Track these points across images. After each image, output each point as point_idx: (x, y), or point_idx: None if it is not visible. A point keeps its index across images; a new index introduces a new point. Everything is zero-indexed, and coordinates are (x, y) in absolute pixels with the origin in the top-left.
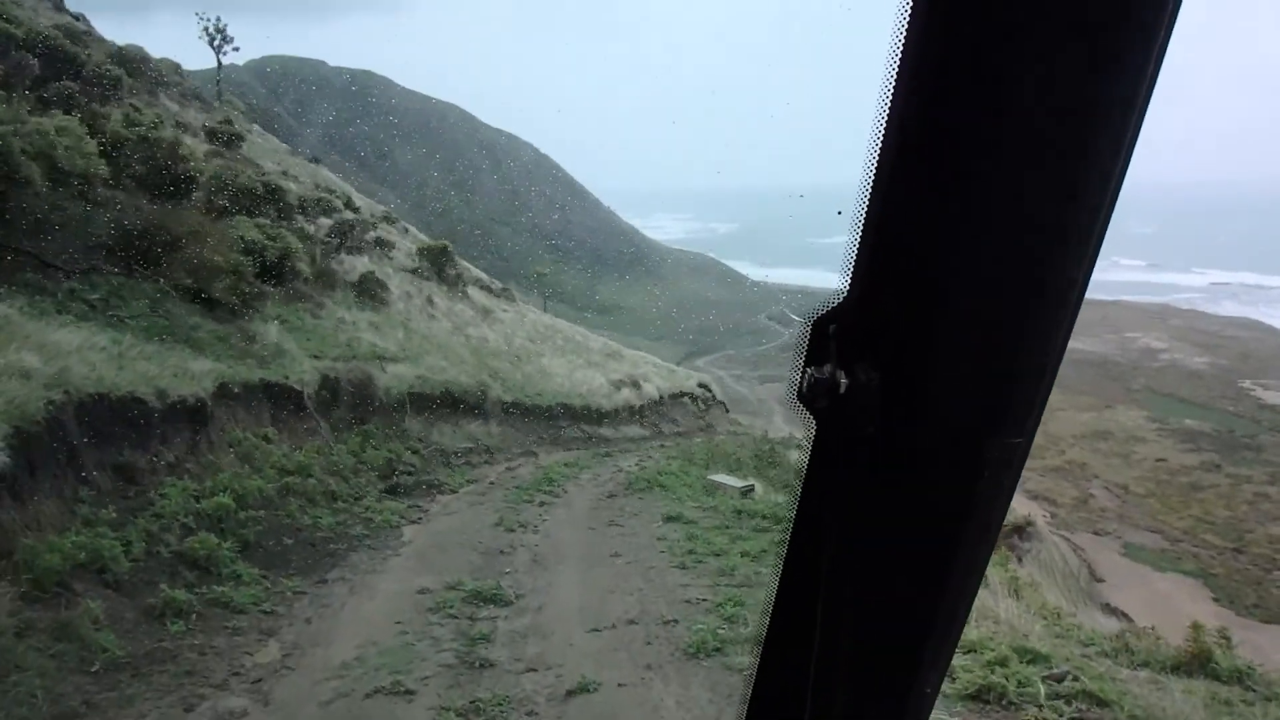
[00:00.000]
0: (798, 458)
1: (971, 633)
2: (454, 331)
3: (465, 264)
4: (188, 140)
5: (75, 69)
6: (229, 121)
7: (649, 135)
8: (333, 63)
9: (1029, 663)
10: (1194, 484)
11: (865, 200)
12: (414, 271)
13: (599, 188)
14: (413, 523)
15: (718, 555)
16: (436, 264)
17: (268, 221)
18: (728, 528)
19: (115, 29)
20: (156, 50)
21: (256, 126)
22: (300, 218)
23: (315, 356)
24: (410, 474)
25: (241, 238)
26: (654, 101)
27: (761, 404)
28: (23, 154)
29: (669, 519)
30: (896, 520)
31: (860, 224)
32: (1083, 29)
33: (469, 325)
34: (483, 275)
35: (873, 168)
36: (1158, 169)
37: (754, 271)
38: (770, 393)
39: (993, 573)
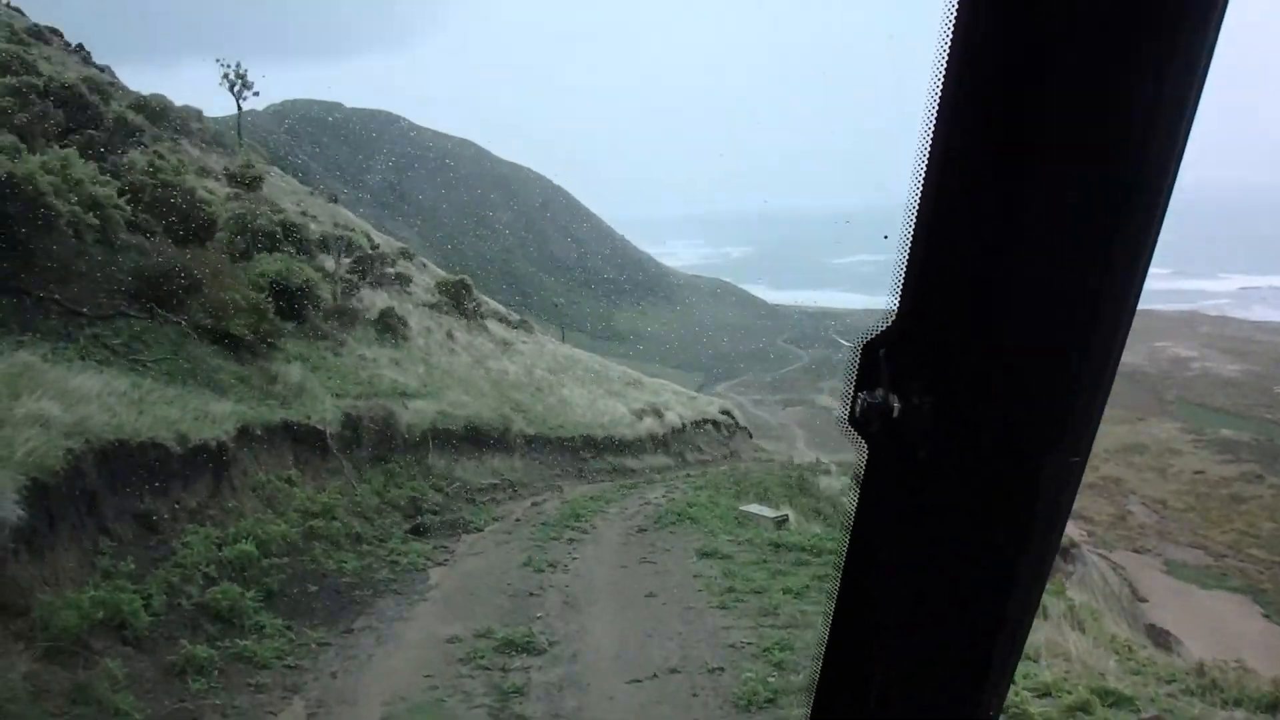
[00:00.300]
0: (827, 484)
1: (1044, 673)
2: (474, 365)
3: (483, 297)
4: (210, 184)
5: (98, 119)
6: (250, 165)
7: (660, 161)
8: (349, 104)
9: (1112, 705)
10: (1235, 496)
11: (911, 224)
12: (433, 306)
13: (612, 216)
14: (439, 564)
15: (758, 593)
16: (455, 298)
17: (287, 257)
18: (765, 562)
19: (140, 79)
20: (180, 98)
21: (276, 169)
22: (320, 255)
23: (337, 395)
24: (435, 513)
25: (261, 274)
26: (665, 127)
27: (784, 429)
28: (45, 197)
29: (703, 554)
30: (954, 544)
31: (907, 247)
32: (1124, 43)
33: (489, 358)
34: (500, 308)
35: (918, 192)
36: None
37: (771, 295)
38: (792, 417)
39: (1049, 600)
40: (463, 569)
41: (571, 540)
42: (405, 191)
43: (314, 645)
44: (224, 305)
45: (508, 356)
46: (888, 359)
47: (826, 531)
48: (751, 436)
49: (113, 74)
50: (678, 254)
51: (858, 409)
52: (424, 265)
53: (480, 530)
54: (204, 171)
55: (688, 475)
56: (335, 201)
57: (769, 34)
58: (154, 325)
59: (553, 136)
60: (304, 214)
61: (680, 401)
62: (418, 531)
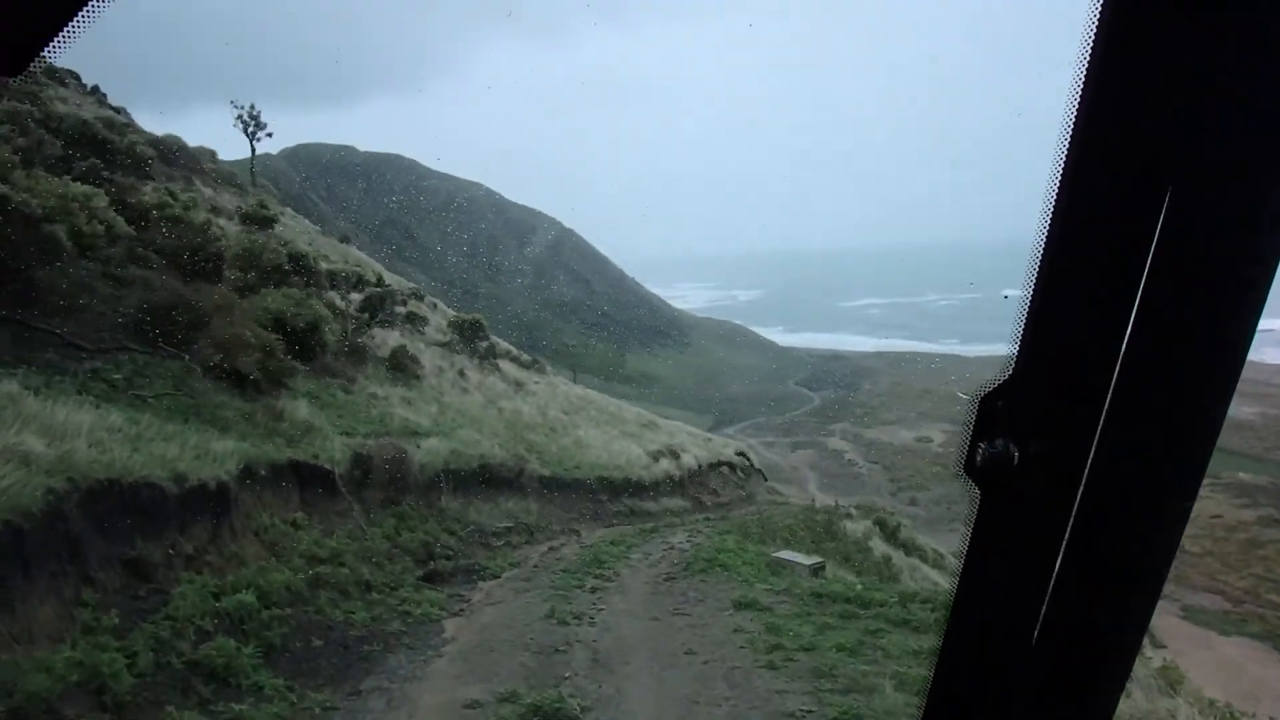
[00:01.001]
0: (851, 528)
1: None
2: (487, 404)
3: (495, 338)
4: (222, 222)
5: (107, 152)
6: (263, 205)
7: (669, 204)
8: (362, 148)
9: None
10: (1253, 540)
11: (1031, 282)
12: (445, 345)
13: (622, 259)
14: (454, 615)
15: (808, 650)
16: (468, 337)
17: (297, 293)
18: (809, 614)
19: (155, 123)
20: (194, 142)
21: (289, 209)
22: (330, 292)
23: (346, 434)
24: (449, 558)
25: (268, 309)
26: (671, 171)
27: (794, 471)
28: (43, 221)
29: (741, 605)
30: (1065, 588)
31: (1025, 304)
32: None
33: (502, 398)
34: (511, 348)
35: (1039, 253)
36: None
37: (781, 337)
38: (802, 459)
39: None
40: (480, 620)
41: (595, 589)
42: (416, 234)
43: (317, 710)
44: (230, 341)
45: (521, 397)
46: (1007, 411)
47: (865, 580)
48: (766, 479)
49: (128, 115)
50: (687, 296)
51: (978, 457)
52: (435, 305)
53: (497, 577)
54: (217, 210)
55: (707, 519)
56: (347, 242)
57: (765, 73)
58: (157, 361)
59: (563, 178)
60: (316, 254)
61: (695, 443)
62: (431, 579)
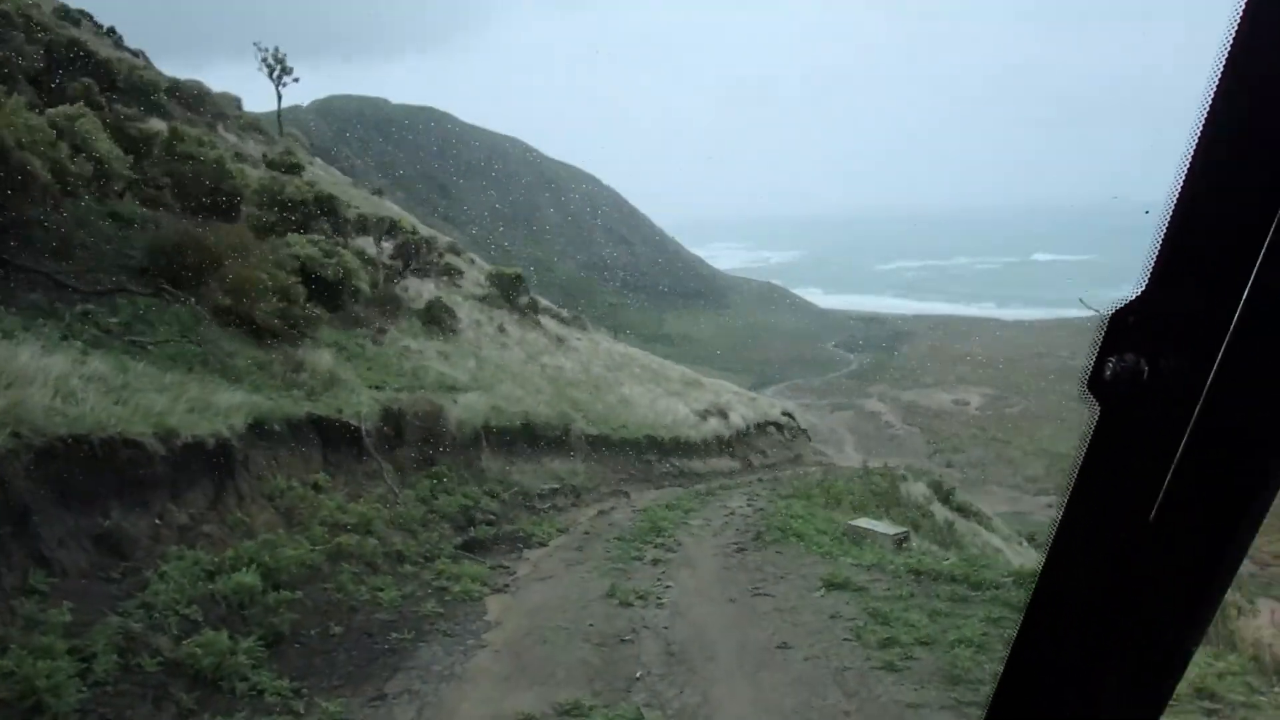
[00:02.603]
0: (909, 490)
1: None
2: (528, 360)
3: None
4: (246, 169)
5: (103, 73)
6: (289, 152)
7: (702, 165)
8: (395, 100)
9: None
10: None
11: (1172, 199)
12: (483, 299)
13: (660, 218)
14: (498, 591)
15: (927, 645)
16: (507, 291)
17: (322, 238)
18: (912, 596)
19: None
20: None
21: (319, 160)
22: (361, 238)
23: (376, 387)
24: (490, 524)
25: (294, 255)
26: (704, 132)
27: (832, 432)
28: (19, 147)
29: (831, 585)
30: (1181, 511)
31: (1165, 221)
32: None
33: (543, 354)
34: (551, 305)
35: (1183, 169)
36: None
37: (819, 299)
38: (840, 421)
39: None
40: (528, 600)
41: (657, 561)
42: (451, 189)
43: None
44: (246, 285)
45: (563, 353)
46: (1137, 326)
47: (957, 553)
48: (811, 440)
49: (147, 59)
50: (725, 256)
51: (1107, 372)
52: (473, 261)
53: (544, 545)
54: (240, 157)
55: (759, 480)
56: (379, 195)
57: (796, 34)
58: (162, 304)
59: (599, 136)
60: (343, 195)
61: (741, 402)
62: (471, 547)
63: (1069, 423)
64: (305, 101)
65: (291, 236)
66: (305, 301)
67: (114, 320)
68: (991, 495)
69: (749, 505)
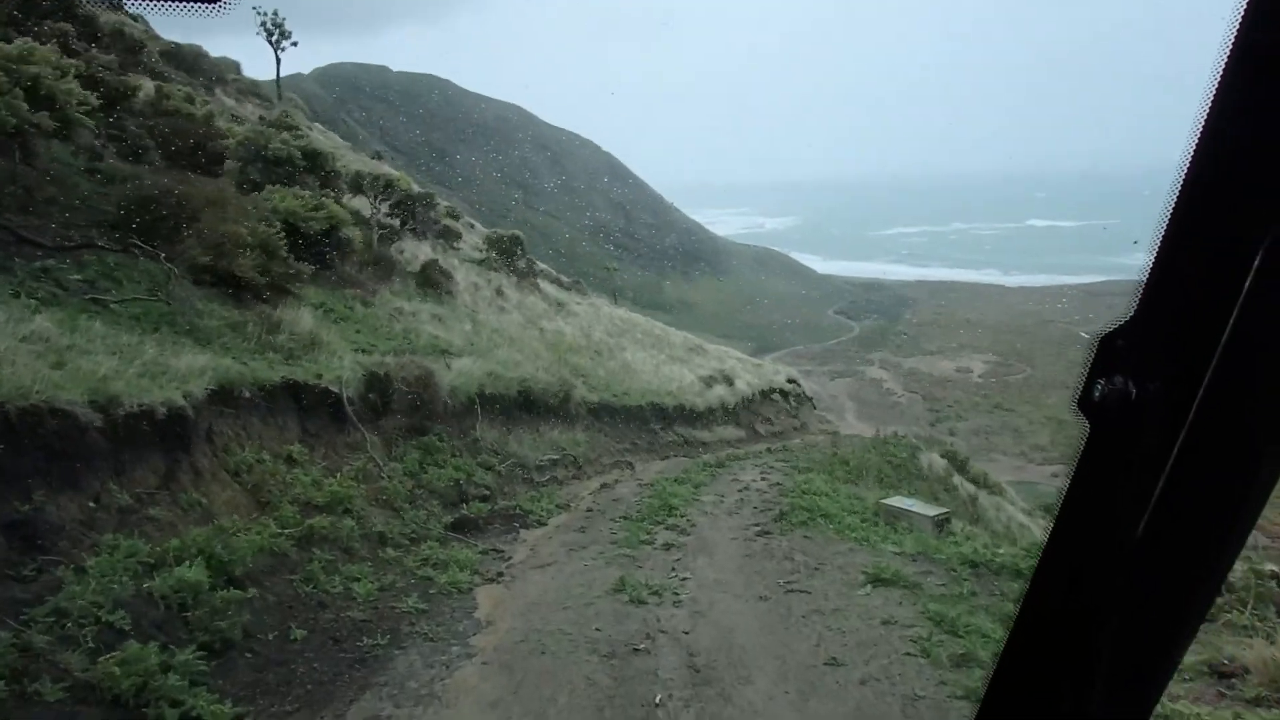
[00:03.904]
0: (928, 461)
1: None
2: (527, 325)
3: (534, 260)
4: (235, 128)
5: (86, 24)
6: (287, 115)
7: (703, 129)
8: (395, 68)
9: None
10: None
11: (1161, 229)
12: (481, 262)
13: (658, 183)
14: (491, 580)
15: None
16: (506, 254)
17: (310, 193)
18: (975, 596)
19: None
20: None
21: (318, 125)
22: (355, 197)
23: (362, 350)
24: (484, 499)
25: (275, 208)
26: (704, 97)
27: (834, 400)
28: None
29: (876, 580)
30: (1169, 527)
31: (1155, 248)
32: None
33: (543, 318)
34: (551, 270)
35: (1172, 199)
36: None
37: (819, 265)
38: (841, 388)
39: None
40: (525, 593)
41: (670, 546)
42: (451, 156)
43: None
44: (224, 240)
45: (563, 317)
46: (1126, 350)
47: (987, 532)
48: (816, 408)
49: (146, 24)
50: (720, 223)
51: (1096, 393)
52: (471, 225)
53: (543, 524)
54: (237, 119)
55: (769, 450)
56: (379, 159)
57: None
58: (132, 261)
59: (597, 102)
60: (334, 150)
61: (746, 369)
62: (462, 527)
63: (1074, 391)
64: (307, 70)
65: (275, 190)
66: (289, 257)
67: (76, 277)
68: (996, 464)
69: (763, 479)
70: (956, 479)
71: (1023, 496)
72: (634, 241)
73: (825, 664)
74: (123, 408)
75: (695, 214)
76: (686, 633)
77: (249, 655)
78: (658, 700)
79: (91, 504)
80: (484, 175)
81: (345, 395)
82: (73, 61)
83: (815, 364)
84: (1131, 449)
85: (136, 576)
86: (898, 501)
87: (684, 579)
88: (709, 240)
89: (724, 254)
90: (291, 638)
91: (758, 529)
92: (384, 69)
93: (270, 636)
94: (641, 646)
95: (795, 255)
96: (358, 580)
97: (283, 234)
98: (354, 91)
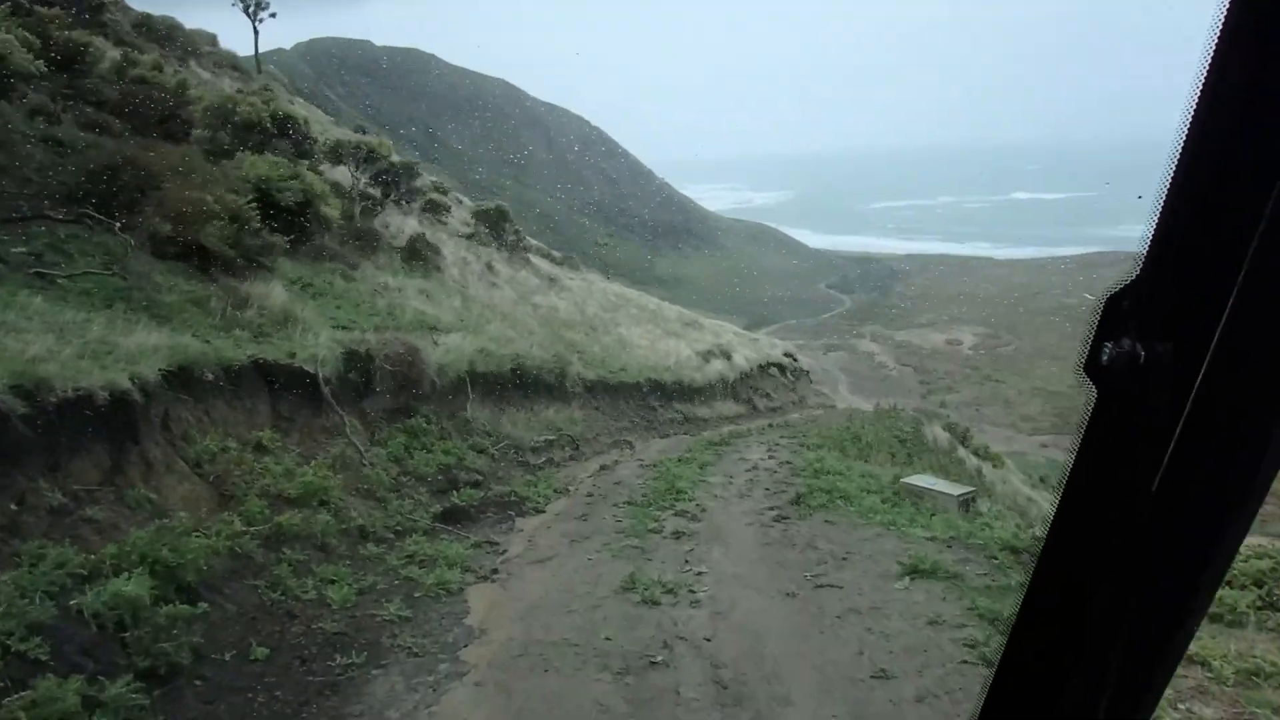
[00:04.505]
0: (933, 434)
1: None
2: (519, 300)
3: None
4: (205, 95)
5: None
6: (267, 88)
7: (688, 106)
8: (379, 42)
9: None
10: None
11: (1165, 184)
12: (470, 237)
13: (650, 158)
14: (484, 579)
15: None
16: (495, 229)
17: (282, 160)
18: (1022, 587)
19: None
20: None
21: (300, 100)
22: (335, 167)
23: (342, 328)
24: (476, 485)
25: (245, 177)
26: (692, 72)
27: (826, 373)
28: None
29: (914, 571)
30: (1179, 495)
31: (1159, 206)
32: None
33: (535, 293)
34: (542, 245)
35: (1176, 154)
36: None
37: (810, 239)
38: (834, 362)
39: None
40: (522, 595)
41: (680, 534)
42: (437, 131)
43: None
44: (187, 209)
45: (555, 292)
46: (1133, 311)
47: (1021, 519)
48: (813, 381)
49: None
50: (710, 198)
51: (1104, 356)
52: (460, 200)
53: (540, 511)
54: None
55: (770, 426)
56: (363, 133)
57: None
58: (86, 233)
59: (585, 77)
60: (308, 116)
61: (743, 343)
62: (452, 517)
63: (1064, 361)
64: (288, 45)
65: (246, 157)
66: (262, 229)
67: (21, 250)
68: (987, 435)
69: (770, 457)
70: (961, 452)
71: (1017, 467)
72: (625, 217)
73: (873, 677)
74: (54, 393)
75: (685, 189)
76: (708, 639)
77: (198, 683)
78: None
79: (14, 506)
80: (472, 151)
81: (321, 375)
82: (18, 19)
83: (808, 338)
84: (1141, 413)
85: (62, 592)
86: (919, 480)
87: (699, 573)
88: (700, 215)
89: (715, 229)
90: (252, 657)
91: (774, 513)
92: (367, 43)
93: (227, 657)
94: (659, 659)
95: (786, 230)
96: (333, 583)
97: (254, 204)
98: (337, 66)
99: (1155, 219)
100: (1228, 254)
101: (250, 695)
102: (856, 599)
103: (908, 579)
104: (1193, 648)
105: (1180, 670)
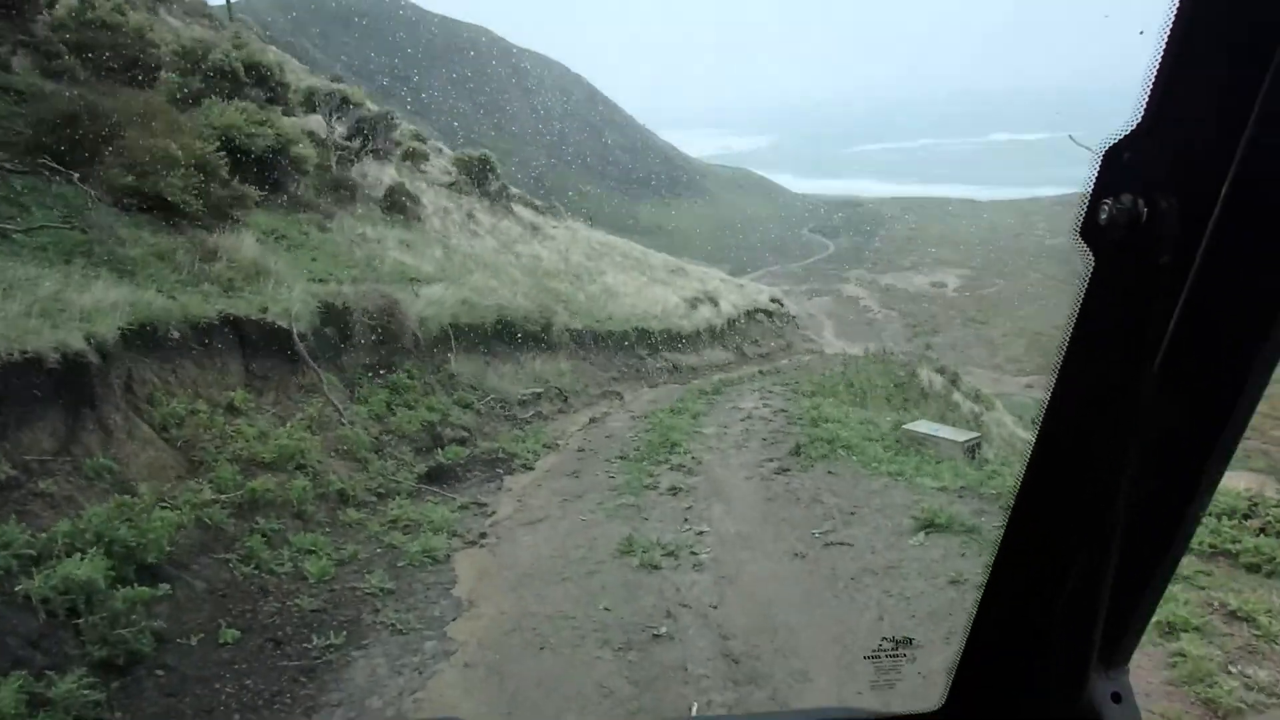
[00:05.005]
0: (929, 378)
1: None
2: (501, 250)
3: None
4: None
5: None
6: (238, 36)
7: (674, 49)
8: None
9: None
10: None
11: (1169, 19)
12: (451, 186)
13: (632, 105)
14: (472, 544)
15: None
16: (477, 177)
17: (253, 106)
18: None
19: None
20: None
21: (274, 48)
22: (310, 115)
23: (318, 280)
24: (462, 442)
25: (213, 124)
26: (672, 17)
27: (811, 319)
28: None
29: (929, 526)
30: (1187, 362)
31: (1162, 45)
32: None
33: (518, 242)
34: (525, 194)
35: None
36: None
37: (793, 184)
38: (819, 307)
39: None
40: (514, 561)
41: (677, 489)
42: (416, 81)
43: None
44: (151, 158)
45: (539, 241)
46: (1133, 164)
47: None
48: (800, 327)
49: None
50: (694, 143)
51: (1103, 215)
52: (440, 150)
53: (530, 468)
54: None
55: (760, 373)
56: (339, 82)
57: None
58: (44, 184)
59: (571, 24)
60: (281, 61)
61: (729, 289)
62: (437, 477)
63: (1047, 302)
64: None
65: (212, 104)
66: (231, 179)
67: None
68: (972, 376)
69: (764, 405)
70: (957, 396)
71: (1005, 409)
72: (607, 165)
73: (897, 646)
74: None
75: (665, 135)
76: (714, 606)
77: (160, 673)
78: (694, 712)
79: None
80: (453, 100)
81: (296, 330)
82: None
83: (793, 283)
84: (1144, 274)
85: (7, 576)
86: (922, 426)
87: (700, 533)
88: (683, 162)
89: (698, 175)
90: (221, 641)
91: (774, 465)
92: None
93: (193, 642)
94: (662, 631)
95: (767, 175)
96: (311, 554)
97: (222, 152)
98: (313, 15)
99: (1157, 59)
100: (1237, 94)
101: (218, 685)
102: (870, 558)
103: (922, 534)
104: (1234, 602)
105: (1225, 627)
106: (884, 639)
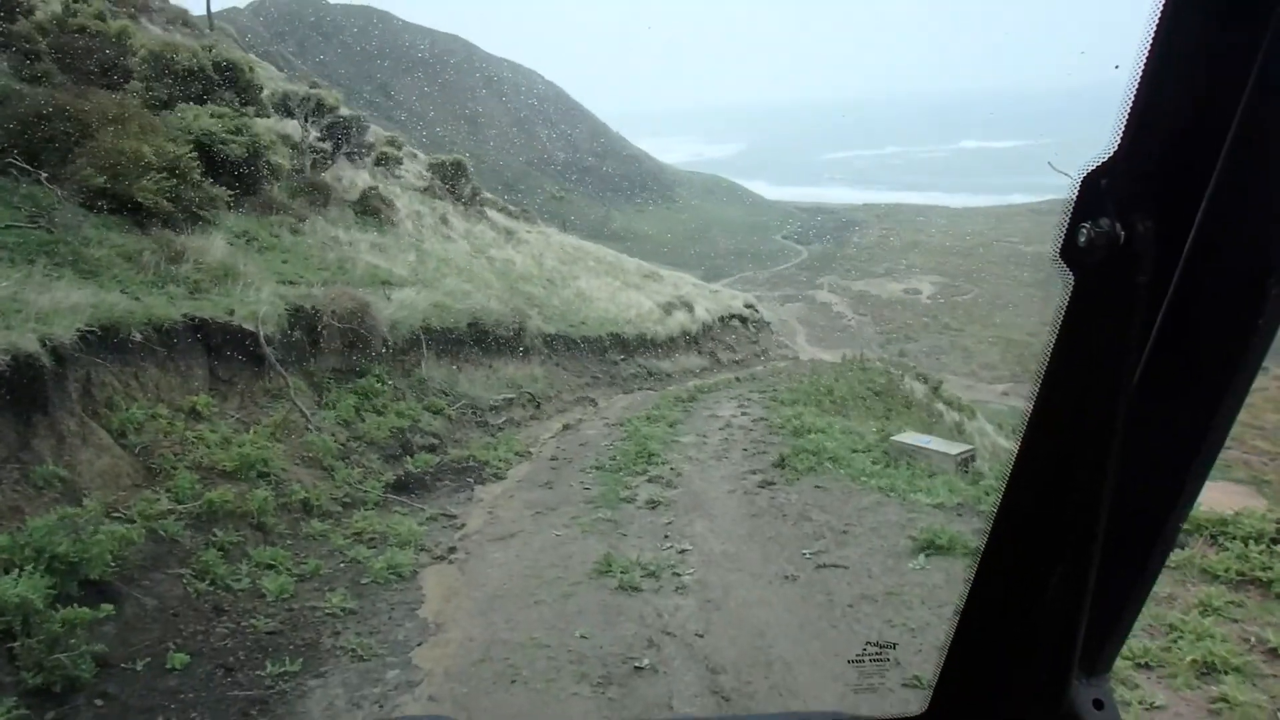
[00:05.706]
0: (920, 389)
1: None
2: (475, 254)
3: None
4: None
5: None
6: (216, 44)
7: (651, 57)
8: (332, 0)
9: None
10: None
11: (1144, 54)
12: (425, 190)
13: (605, 112)
14: (439, 559)
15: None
16: (450, 181)
17: (227, 110)
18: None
19: None
20: None
21: (253, 56)
22: (284, 119)
23: (288, 283)
24: (432, 449)
25: (186, 128)
26: (643, 22)
27: (784, 325)
28: None
29: (929, 548)
30: (1165, 381)
31: (1136, 78)
32: None
33: (491, 246)
34: (498, 200)
35: (1153, 23)
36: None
37: (766, 191)
38: (791, 313)
39: None
40: (484, 580)
41: (655, 503)
42: (392, 89)
43: None
44: (121, 159)
45: (512, 245)
46: (1110, 189)
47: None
48: (774, 333)
49: None
50: (667, 150)
51: (1081, 238)
52: (415, 155)
53: (501, 477)
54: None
55: (737, 380)
56: (316, 88)
57: None
58: (10, 184)
59: (544, 32)
60: (251, 61)
61: (703, 295)
62: (406, 487)
63: (1022, 309)
64: (242, 3)
65: (182, 107)
66: (204, 181)
67: None
68: (948, 384)
69: (743, 414)
70: (940, 405)
71: (982, 416)
72: (581, 171)
73: (905, 686)
74: None
75: (639, 143)
76: (700, 635)
77: (100, 702)
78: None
79: None
80: (427, 107)
81: (262, 333)
82: None
83: (765, 289)
84: (1122, 296)
85: None
86: (910, 438)
87: (683, 551)
88: (656, 168)
89: (671, 182)
90: (168, 666)
91: (758, 478)
92: (321, 1)
93: (138, 667)
94: (644, 663)
95: (740, 182)
96: (270, 569)
97: (195, 155)
98: (291, 24)
99: (1133, 89)
100: (1211, 124)
101: (161, 717)
102: (867, 582)
103: (923, 556)
104: (1274, 638)
105: (1266, 667)
106: (895, 677)
